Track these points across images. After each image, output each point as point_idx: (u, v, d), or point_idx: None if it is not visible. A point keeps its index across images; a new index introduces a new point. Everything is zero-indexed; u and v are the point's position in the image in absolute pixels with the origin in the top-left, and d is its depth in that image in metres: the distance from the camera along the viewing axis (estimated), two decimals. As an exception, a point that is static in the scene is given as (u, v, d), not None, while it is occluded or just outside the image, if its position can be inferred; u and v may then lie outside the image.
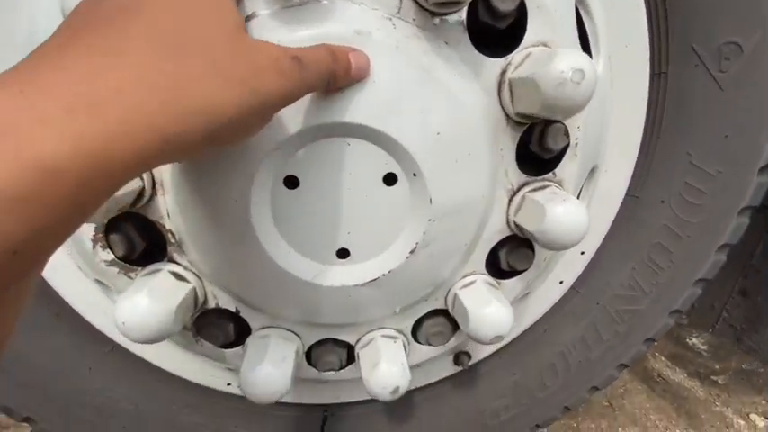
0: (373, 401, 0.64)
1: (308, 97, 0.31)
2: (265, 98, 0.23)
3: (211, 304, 0.42)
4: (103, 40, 0.18)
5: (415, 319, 0.48)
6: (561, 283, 0.60)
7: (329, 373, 0.50)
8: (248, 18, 0.31)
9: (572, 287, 0.62)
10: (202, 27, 0.21)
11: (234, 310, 0.43)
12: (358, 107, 0.32)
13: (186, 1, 0.21)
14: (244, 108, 0.22)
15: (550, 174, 0.42)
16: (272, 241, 0.36)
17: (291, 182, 0.35)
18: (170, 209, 0.37)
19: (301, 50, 0.26)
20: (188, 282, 0.40)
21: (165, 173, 0.35)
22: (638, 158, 0.55)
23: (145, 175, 0.36)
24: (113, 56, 0.18)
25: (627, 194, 0.58)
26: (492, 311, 0.41)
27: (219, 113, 0.20)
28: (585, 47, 0.44)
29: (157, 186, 0.36)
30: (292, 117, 0.32)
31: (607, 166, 0.53)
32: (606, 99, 0.47)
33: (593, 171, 0.51)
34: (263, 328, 0.44)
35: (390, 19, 0.33)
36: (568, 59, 0.31)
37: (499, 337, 0.42)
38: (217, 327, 0.44)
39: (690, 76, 0.51)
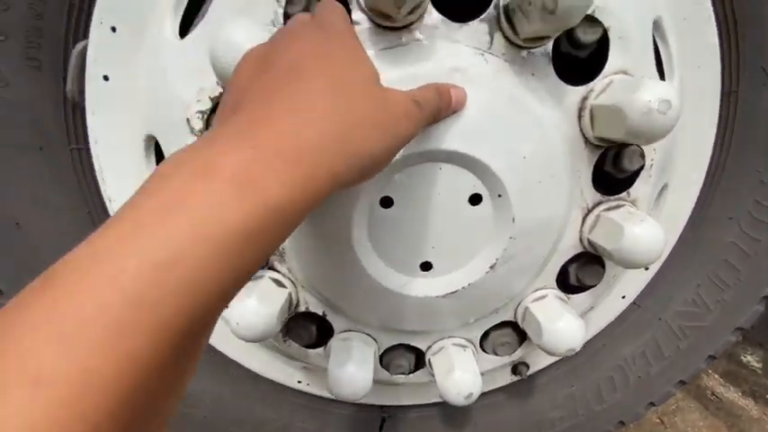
0: (431, 405, 0.67)
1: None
2: (402, 141, 0.27)
3: (302, 308, 0.47)
4: (291, 99, 0.22)
5: (485, 329, 0.50)
6: (623, 297, 0.60)
7: (399, 376, 0.53)
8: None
9: (633, 302, 0.62)
10: (352, 82, 0.24)
11: (321, 313, 0.47)
12: (454, 135, 0.35)
13: (335, 60, 0.25)
14: (388, 151, 0.26)
15: (624, 193, 0.44)
16: (367, 255, 0.40)
17: (386, 202, 0.39)
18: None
19: (418, 94, 0.29)
20: (285, 288, 0.44)
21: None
22: (706, 175, 0.55)
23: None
24: (304, 112, 0.22)
25: (694, 210, 0.58)
26: (565, 325, 0.43)
27: (373, 156, 0.24)
28: (659, 69, 0.45)
29: (265, 203, 0.41)
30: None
31: (676, 183, 0.53)
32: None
33: (663, 189, 0.52)
34: (345, 331, 0.48)
35: (483, 54, 0.36)
36: (655, 90, 0.33)
37: (572, 350, 0.44)
38: (303, 328, 0.48)
39: (760, 95, 0.51)
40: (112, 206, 0.53)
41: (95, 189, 0.53)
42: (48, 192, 0.54)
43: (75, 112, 0.51)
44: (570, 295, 0.49)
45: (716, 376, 1.24)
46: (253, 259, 0.19)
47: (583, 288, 0.49)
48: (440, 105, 0.32)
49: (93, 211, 0.56)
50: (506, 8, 0.34)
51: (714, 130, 0.52)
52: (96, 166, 0.51)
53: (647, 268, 0.59)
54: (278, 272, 0.44)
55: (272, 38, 0.28)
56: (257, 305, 0.40)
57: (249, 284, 0.43)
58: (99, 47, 0.45)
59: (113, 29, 0.44)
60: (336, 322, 0.48)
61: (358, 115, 0.23)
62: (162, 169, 0.19)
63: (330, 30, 0.26)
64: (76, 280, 0.15)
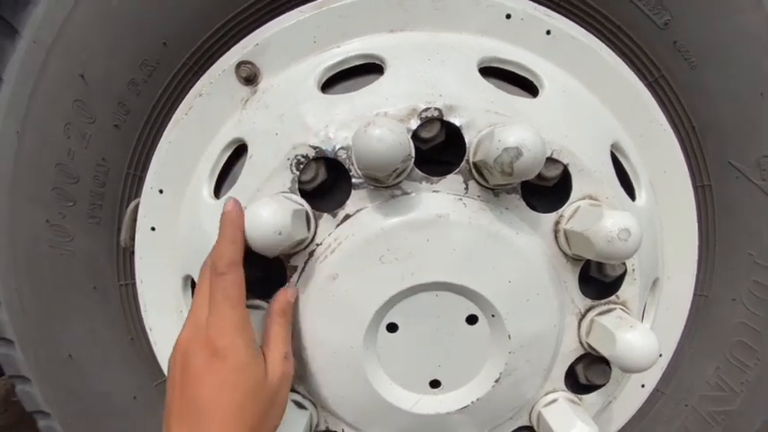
0: None
1: (404, 263, 0.41)
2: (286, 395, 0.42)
3: (322, 427, 0.50)
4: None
5: (502, 436, 0.51)
6: (643, 386, 0.60)
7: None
8: (357, 211, 0.42)
9: (657, 389, 0.62)
10: (252, 400, 0.37)
11: (340, 431, 0.50)
12: (444, 268, 0.41)
13: (234, 389, 0.36)
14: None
15: (614, 296, 0.47)
16: (378, 377, 0.44)
17: (392, 327, 0.43)
18: (296, 352, 0.46)
19: (283, 342, 0.41)
20: (306, 409, 0.48)
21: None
22: (700, 260, 0.58)
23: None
24: None
25: (696, 294, 0.59)
26: (578, 433, 0.44)
27: None
28: (626, 182, 0.51)
29: (287, 334, 0.46)
30: (395, 281, 0.41)
31: (669, 273, 0.56)
32: (655, 220, 0.53)
33: (655, 282, 0.55)
34: (366, 447, 0.50)
35: (461, 199, 0.42)
36: (615, 220, 0.38)
37: (588, 458, 0.44)
38: (325, 446, 0.51)
39: (734, 187, 0.55)
40: (152, 334, 0.59)
41: (138, 320, 0.60)
42: (97, 324, 0.61)
43: (125, 255, 0.60)
44: (582, 396, 0.50)
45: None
46: None
47: (593, 387, 0.50)
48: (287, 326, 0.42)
49: (135, 338, 0.62)
50: (475, 164, 0.41)
51: (695, 221, 0.56)
52: (141, 301, 0.59)
53: (660, 354, 0.60)
54: (299, 393, 0.48)
55: (183, 352, 0.38)
56: (282, 433, 0.43)
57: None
58: (148, 205, 0.55)
59: (161, 191, 0.54)
60: (356, 438, 0.50)
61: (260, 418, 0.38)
62: None
63: (222, 354, 0.36)
64: None
